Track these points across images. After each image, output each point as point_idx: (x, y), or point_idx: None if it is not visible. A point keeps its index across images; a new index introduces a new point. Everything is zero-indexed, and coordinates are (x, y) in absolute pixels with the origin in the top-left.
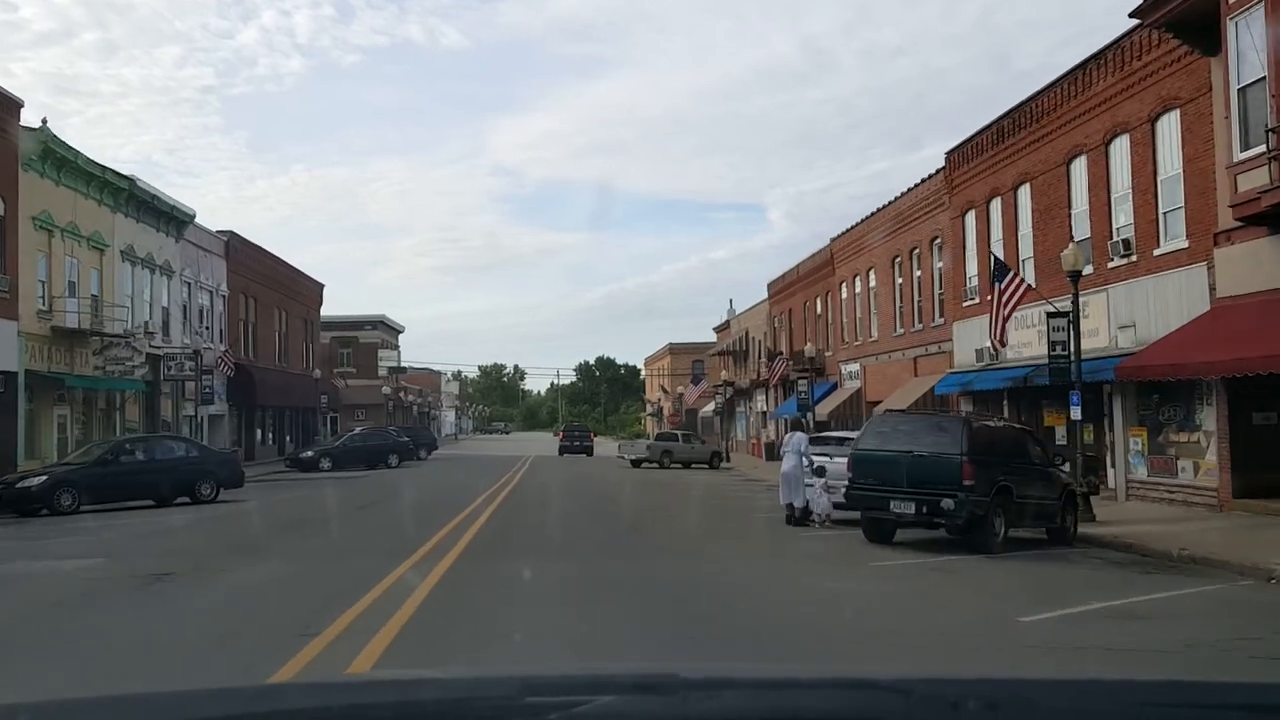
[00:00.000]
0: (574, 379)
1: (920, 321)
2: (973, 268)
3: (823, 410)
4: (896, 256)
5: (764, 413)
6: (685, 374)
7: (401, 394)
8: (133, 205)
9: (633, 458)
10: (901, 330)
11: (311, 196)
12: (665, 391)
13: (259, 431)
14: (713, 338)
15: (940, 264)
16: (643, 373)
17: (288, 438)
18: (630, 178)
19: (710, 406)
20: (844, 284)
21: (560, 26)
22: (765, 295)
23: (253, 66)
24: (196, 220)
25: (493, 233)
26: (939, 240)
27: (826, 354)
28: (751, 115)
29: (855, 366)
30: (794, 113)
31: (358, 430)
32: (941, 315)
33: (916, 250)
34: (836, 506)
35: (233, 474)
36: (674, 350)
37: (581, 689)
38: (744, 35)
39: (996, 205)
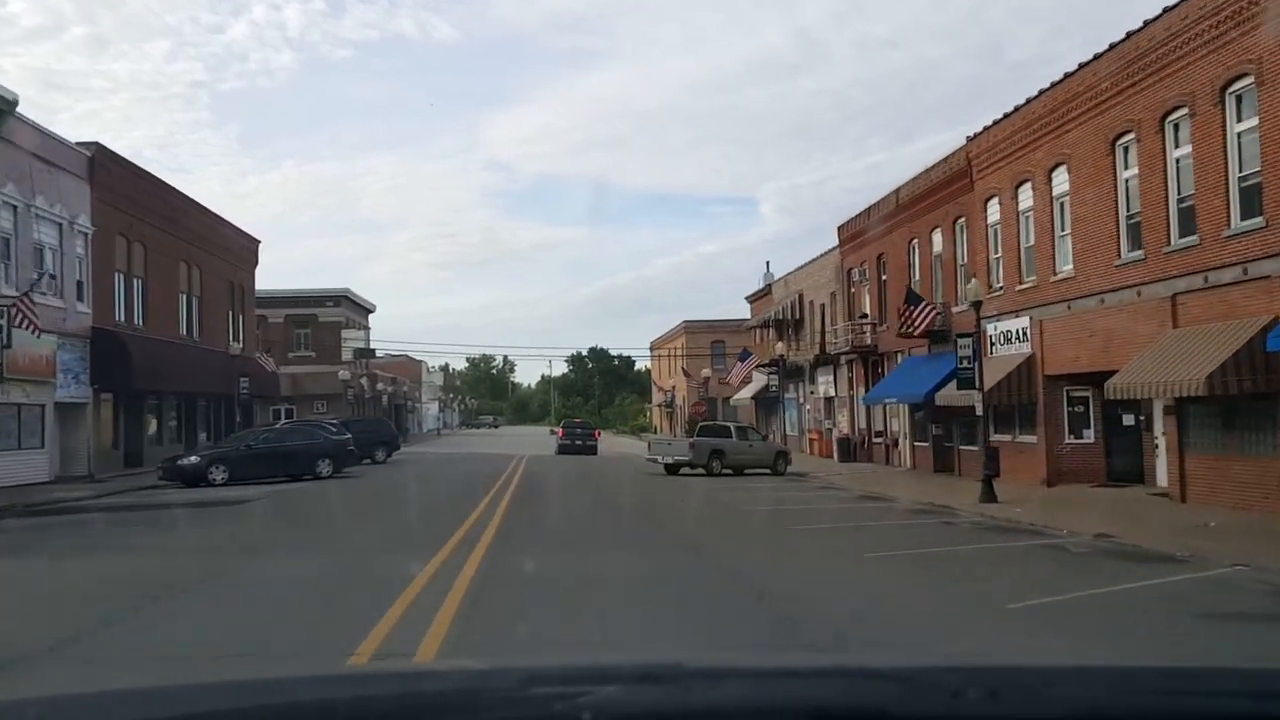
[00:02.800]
0: (566, 370)
1: (1192, 233)
2: None
3: (955, 392)
4: (1121, 136)
5: (830, 398)
6: (704, 355)
7: (365, 381)
8: None
9: (668, 460)
10: (1138, 253)
11: (303, 191)
12: (687, 375)
13: (153, 427)
14: (730, 316)
15: (1240, 127)
16: (639, 364)
17: (203, 436)
18: (626, 172)
19: (747, 392)
20: (993, 200)
21: (552, 19)
22: (835, 244)
23: (243, 61)
24: (40, 121)
25: (489, 228)
26: (1237, 88)
27: (954, 309)
28: (746, 108)
29: (1019, 323)
30: (788, 104)
31: (280, 424)
32: (1247, 217)
33: (1173, 117)
34: None
35: None
36: (690, 329)
37: (585, 679)
38: (736, 26)
39: None
